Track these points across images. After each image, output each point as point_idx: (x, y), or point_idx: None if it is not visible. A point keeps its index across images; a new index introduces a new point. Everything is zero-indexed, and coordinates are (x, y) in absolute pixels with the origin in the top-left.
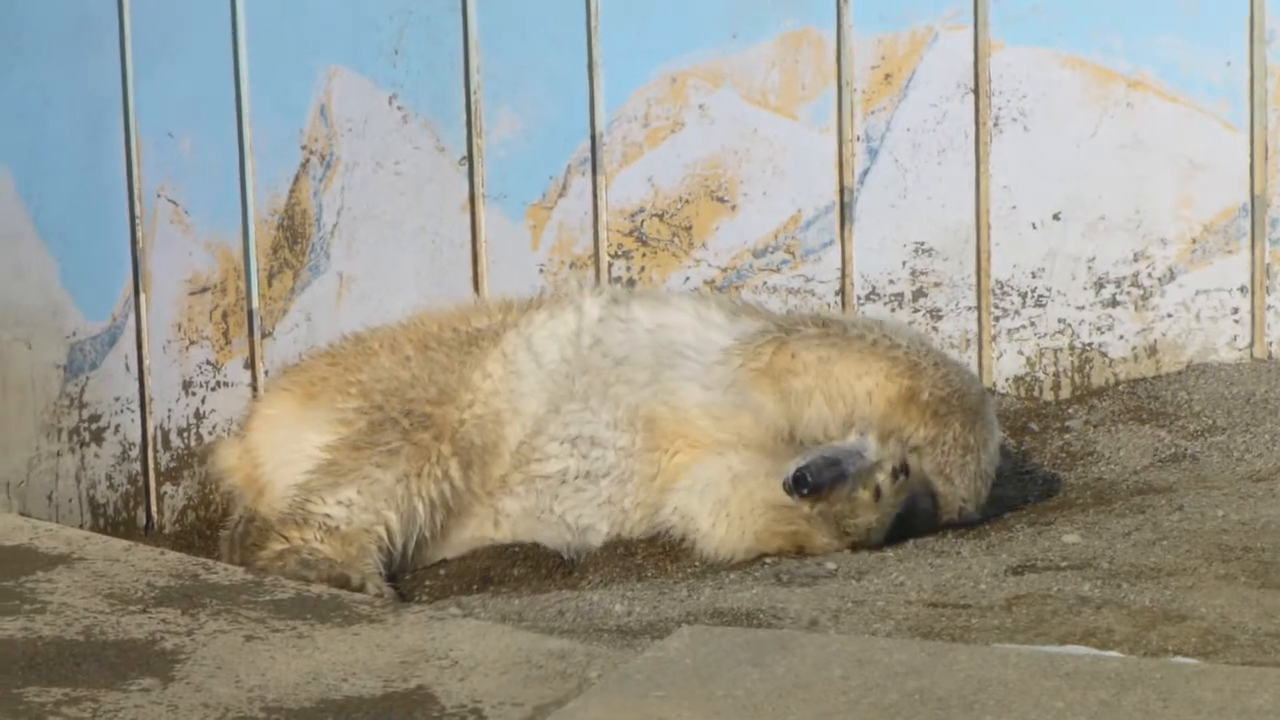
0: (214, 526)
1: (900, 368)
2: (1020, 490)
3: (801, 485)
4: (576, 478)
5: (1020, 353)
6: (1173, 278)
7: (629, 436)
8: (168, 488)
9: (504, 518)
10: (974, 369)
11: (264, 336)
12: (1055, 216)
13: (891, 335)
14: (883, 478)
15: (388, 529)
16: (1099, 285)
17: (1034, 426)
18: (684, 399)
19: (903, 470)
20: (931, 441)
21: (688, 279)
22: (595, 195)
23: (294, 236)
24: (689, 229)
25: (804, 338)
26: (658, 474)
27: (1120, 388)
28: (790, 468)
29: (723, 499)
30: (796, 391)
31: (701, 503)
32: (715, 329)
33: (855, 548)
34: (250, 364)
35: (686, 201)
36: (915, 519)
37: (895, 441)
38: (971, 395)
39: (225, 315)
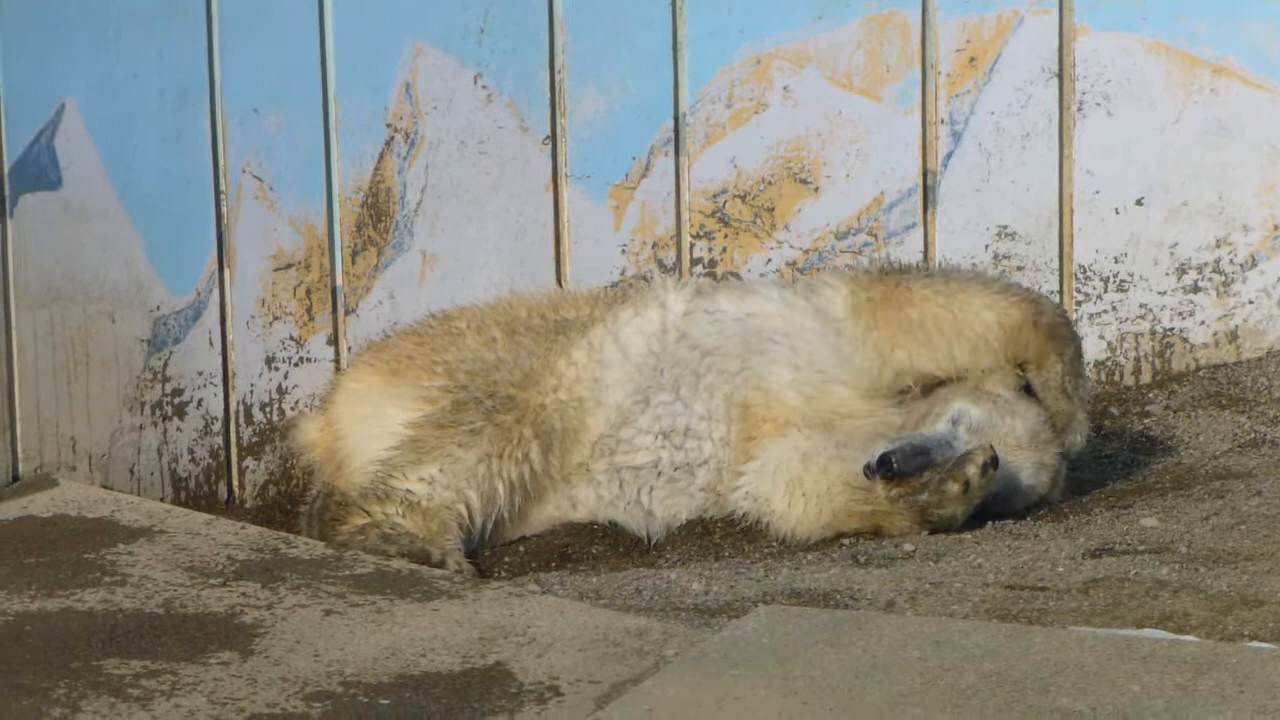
0: (295, 501)
1: (1017, 296)
2: (1099, 474)
3: (887, 469)
4: (675, 469)
5: (1101, 337)
6: (1254, 264)
7: (724, 427)
8: (249, 462)
9: (581, 504)
10: None
11: (347, 313)
12: (1138, 202)
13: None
14: (973, 470)
15: (468, 507)
16: (1181, 271)
17: (1114, 411)
18: (774, 381)
19: (992, 464)
20: (1048, 360)
21: (769, 260)
22: (678, 176)
23: (378, 214)
24: (771, 210)
25: (919, 276)
26: (748, 460)
27: (1200, 373)
28: (876, 452)
29: (795, 478)
30: (922, 324)
31: (774, 483)
32: (802, 312)
33: (934, 532)
34: (333, 340)
35: (769, 183)
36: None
37: (1010, 372)
38: (1078, 338)
39: (309, 291)
